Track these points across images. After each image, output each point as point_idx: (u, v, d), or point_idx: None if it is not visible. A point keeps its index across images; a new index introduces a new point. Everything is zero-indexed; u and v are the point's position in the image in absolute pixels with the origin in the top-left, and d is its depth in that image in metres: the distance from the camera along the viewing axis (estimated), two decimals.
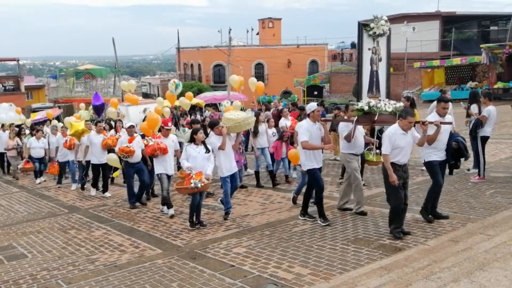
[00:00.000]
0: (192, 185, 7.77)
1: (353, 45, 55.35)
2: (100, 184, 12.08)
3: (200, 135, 8.13)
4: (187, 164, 7.96)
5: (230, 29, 42.05)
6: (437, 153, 7.22)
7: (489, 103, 9.65)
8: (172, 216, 9.01)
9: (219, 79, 49.98)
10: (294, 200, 9.05)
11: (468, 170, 10.21)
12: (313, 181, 7.80)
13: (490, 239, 5.51)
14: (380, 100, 7.66)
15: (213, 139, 8.39)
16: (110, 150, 11.25)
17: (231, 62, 40.63)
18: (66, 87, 41.15)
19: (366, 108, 7.57)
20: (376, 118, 7.58)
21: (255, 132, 11.02)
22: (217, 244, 7.20)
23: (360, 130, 8.14)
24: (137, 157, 10.03)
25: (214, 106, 26.48)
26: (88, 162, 11.94)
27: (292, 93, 40.15)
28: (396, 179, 6.54)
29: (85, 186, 12.62)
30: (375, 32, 7.76)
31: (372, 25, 7.71)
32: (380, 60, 8.04)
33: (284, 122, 11.82)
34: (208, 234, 7.80)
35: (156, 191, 11.03)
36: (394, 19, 41.47)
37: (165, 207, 9.39)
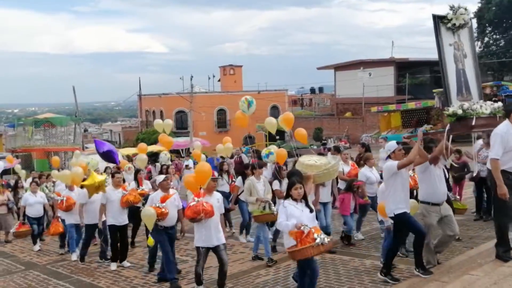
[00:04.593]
0: (318, 240, 5.58)
1: (312, 90, 56.91)
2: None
3: (301, 190, 5.95)
4: (291, 223, 5.73)
5: (192, 76, 42.63)
6: None
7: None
8: None
9: (181, 126, 50.02)
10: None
11: None
12: (410, 227, 6.56)
13: (445, 286, 5.67)
14: (474, 103, 6.60)
15: None
16: (132, 207, 9.37)
17: (193, 108, 40.95)
18: (25, 135, 40.31)
19: (460, 112, 6.38)
20: (473, 123, 6.37)
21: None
22: None
23: (439, 174, 6.80)
24: (171, 220, 7.96)
25: (177, 152, 26.48)
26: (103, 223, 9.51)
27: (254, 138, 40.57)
28: (507, 192, 5.57)
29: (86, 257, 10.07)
30: (454, 24, 6.64)
31: (450, 15, 6.64)
32: (465, 56, 6.89)
33: (341, 168, 9.43)
34: None
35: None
36: (351, 65, 43.14)
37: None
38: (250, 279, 7.68)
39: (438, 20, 6.66)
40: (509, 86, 25.34)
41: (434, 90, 29.86)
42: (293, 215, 5.79)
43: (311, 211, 5.96)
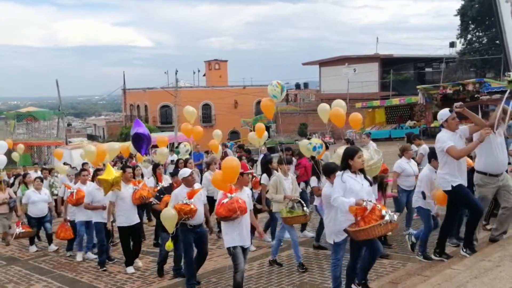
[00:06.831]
0: (387, 217, 4.94)
1: (297, 86, 56.90)
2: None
3: (360, 159, 5.38)
4: (349, 200, 5.14)
5: (177, 71, 42.41)
6: None
7: (420, 143, 10.14)
8: None
9: (166, 120, 49.87)
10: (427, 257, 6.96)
11: None
12: (467, 201, 6.18)
13: (427, 280, 5.73)
14: None
15: (329, 190, 5.76)
16: (143, 205, 8.44)
17: (178, 103, 40.72)
18: (7, 129, 39.81)
19: None
20: None
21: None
22: None
23: (501, 142, 6.39)
24: (199, 218, 7.21)
25: None
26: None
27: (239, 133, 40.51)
28: None
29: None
30: None
31: None
32: None
33: None
34: (153, 283, 7.69)
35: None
36: (336, 61, 43.26)
37: None
38: None
39: None
40: (491, 83, 25.62)
41: (417, 87, 30.17)
42: (352, 188, 5.23)
43: (370, 184, 5.45)
